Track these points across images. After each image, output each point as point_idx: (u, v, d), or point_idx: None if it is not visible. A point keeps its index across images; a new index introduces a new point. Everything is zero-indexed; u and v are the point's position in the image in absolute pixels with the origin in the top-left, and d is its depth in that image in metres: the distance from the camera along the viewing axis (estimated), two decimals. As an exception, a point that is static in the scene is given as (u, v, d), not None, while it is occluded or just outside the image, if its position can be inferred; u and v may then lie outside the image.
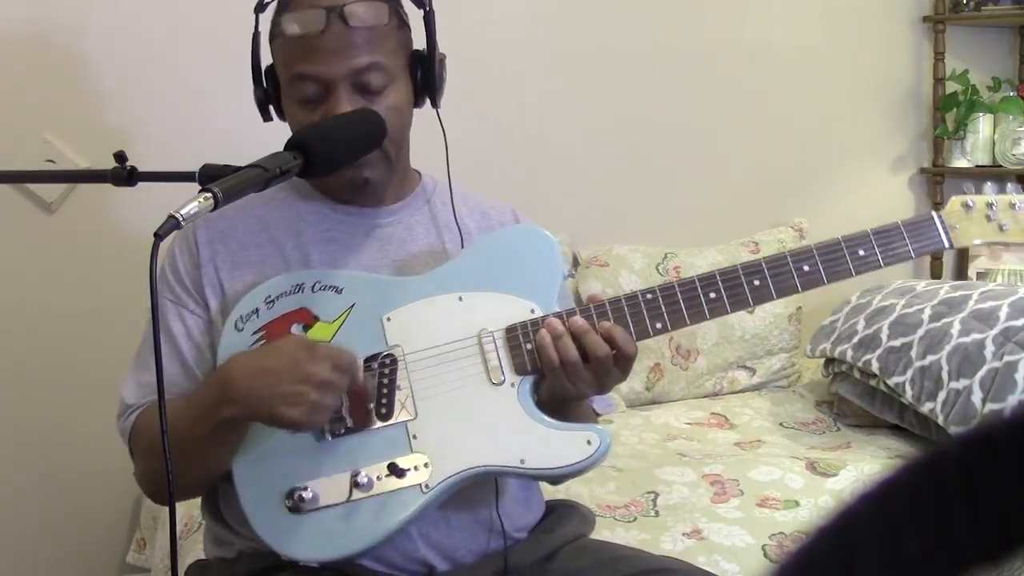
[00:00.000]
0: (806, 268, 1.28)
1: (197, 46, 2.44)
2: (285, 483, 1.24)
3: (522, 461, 1.25)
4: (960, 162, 3.09)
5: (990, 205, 1.30)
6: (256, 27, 1.35)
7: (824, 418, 2.54)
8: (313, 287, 1.32)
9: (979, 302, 2.22)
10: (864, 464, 2.13)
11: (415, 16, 1.39)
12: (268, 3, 1.36)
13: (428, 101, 1.40)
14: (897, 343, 2.27)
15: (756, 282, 1.27)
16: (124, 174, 1.19)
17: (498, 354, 1.28)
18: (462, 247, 1.40)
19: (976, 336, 2.13)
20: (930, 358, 2.18)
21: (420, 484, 1.24)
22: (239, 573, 1.32)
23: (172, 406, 1.16)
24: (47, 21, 2.37)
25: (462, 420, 1.27)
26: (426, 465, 1.24)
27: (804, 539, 0.41)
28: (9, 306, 2.42)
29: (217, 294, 1.36)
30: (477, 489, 1.33)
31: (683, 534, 1.84)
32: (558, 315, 1.28)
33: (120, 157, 1.20)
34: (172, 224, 1.05)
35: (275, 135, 1.33)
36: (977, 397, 2.06)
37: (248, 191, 1.13)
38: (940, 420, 2.12)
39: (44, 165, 2.34)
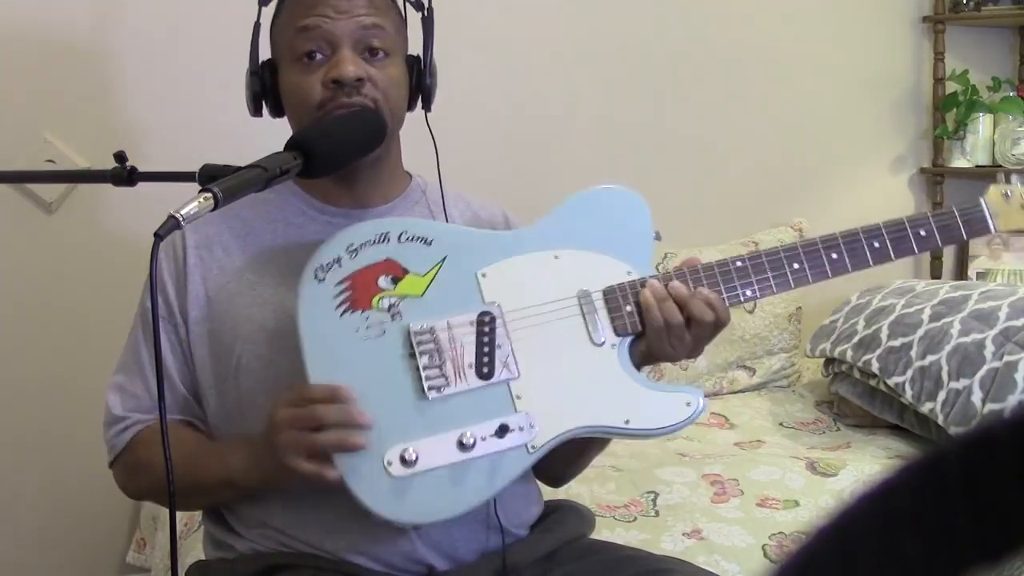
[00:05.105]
0: (876, 245, 1.33)
1: (198, 46, 2.44)
2: (387, 446, 1.20)
3: (627, 422, 1.24)
4: (960, 162, 3.09)
5: None
6: (258, 18, 1.36)
7: (824, 418, 2.53)
8: (399, 236, 1.28)
9: (979, 302, 2.22)
10: (864, 464, 2.13)
11: (413, 21, 1.39)
12: None
13: (419, 108, 1.40)
14: (897, 343, 2.27)
15: (834, 255, 1.32)
16: (124, 174, 1.20)
17: (598, 315, 1.28)
18: None
19: (976, 336, 2.13)
20: (930, 358, 2.18)
21: (526, 444, 1.22)
22: (239, 573, 1.32)
23: (183, 446, 1.21)
24: (47, 21, 2.37)
25: (565, 380, 1.25)
26: (531, 426, 1.23)
27: (804, 539, 0.41)
28: (9, 306, 2.42)
29: (200, 304, 1.35)
30: None
31: (683, 534, 1.84)
32: (655, 278, 1.29)
33: (120, 157, 1.20)
34: (172, 224, 1.06)
35: (274, 135, 1.33)
36: (977, 397, 2.06)
37: (248, 191, 1.13)
38: (940, 420, 2.12)
39: (44, 165, 2.34)
